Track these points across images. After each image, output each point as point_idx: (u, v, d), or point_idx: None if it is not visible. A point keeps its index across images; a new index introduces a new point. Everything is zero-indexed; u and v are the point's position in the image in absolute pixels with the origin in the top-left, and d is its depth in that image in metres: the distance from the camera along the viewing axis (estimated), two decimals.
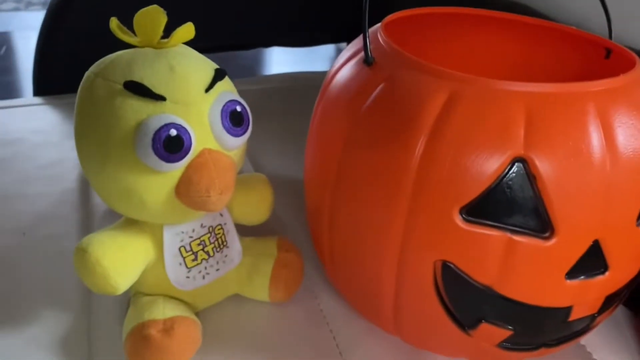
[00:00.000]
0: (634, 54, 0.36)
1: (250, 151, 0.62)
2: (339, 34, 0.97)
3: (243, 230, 0.43)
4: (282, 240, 0.44)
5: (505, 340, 0.35)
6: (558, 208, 0.30)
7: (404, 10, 0.40)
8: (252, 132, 0.37)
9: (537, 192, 0.30)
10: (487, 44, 0.45)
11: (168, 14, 0.34)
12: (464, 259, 0.32)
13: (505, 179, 0.30)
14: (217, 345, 0.40)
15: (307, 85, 0.80)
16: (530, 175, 0.30)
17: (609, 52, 0.38)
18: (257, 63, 1.65)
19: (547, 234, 0.30)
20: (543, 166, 0.29)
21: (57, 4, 0.75)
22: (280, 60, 1.70)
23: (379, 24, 0.38)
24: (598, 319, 0.36)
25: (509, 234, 0.30)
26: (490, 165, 0.30)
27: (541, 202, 0.30)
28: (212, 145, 0.34)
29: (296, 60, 1.64)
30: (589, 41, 0.40)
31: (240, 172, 0.40)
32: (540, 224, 0.30)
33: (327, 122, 0.37)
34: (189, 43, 0.37)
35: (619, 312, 0.44)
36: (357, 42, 0.39)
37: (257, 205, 0.42)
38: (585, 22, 0.54)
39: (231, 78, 0.38)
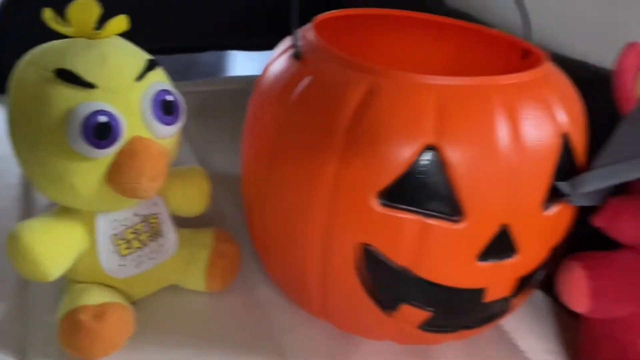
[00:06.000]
0: (544, 53, 0.38)
1: (199, 147, 0.63)
2: None
3: (183, 222, 0.44)
4: (218, 232, 0.45)
5: (426, 322, 0.36)
6: (467, 194, 0.32)
7: (335, 11, 0.42)
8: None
9: (447, 178, 0.32)
10: (416, 45, 0.47)
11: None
12: (382, 241, 0.33)
13: (417, 165, 0.32)
14: (153, 333, 0.41)
15: None
16: (441, 163, 0.32)
17: (525, 53, 0.41)
18: (221, 68, 1.65)
19: (457, 218, 0.32)
20: (453, 154, 0.31)
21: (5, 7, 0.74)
22: (244, 67, 1.71)
23: (310, 23, 0.40)
24: (514, 301, 0.38)
25: (422, 218, 0.32)
26: (403, 153, 0.31)
27: (451, 187, 0.32)
28: (144, 133, 0.35)
29: (260, 67, 1.65)
30: (509, 42, 0.42)
31: (178, 165, 0.41)
32: (451, 208, 0.32)
33: (259, 115, 0.38)
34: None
35: (539, 297, 0.46)
36: (290, 39, 0.40)
37: (193, 197, 0.43)
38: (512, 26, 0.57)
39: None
